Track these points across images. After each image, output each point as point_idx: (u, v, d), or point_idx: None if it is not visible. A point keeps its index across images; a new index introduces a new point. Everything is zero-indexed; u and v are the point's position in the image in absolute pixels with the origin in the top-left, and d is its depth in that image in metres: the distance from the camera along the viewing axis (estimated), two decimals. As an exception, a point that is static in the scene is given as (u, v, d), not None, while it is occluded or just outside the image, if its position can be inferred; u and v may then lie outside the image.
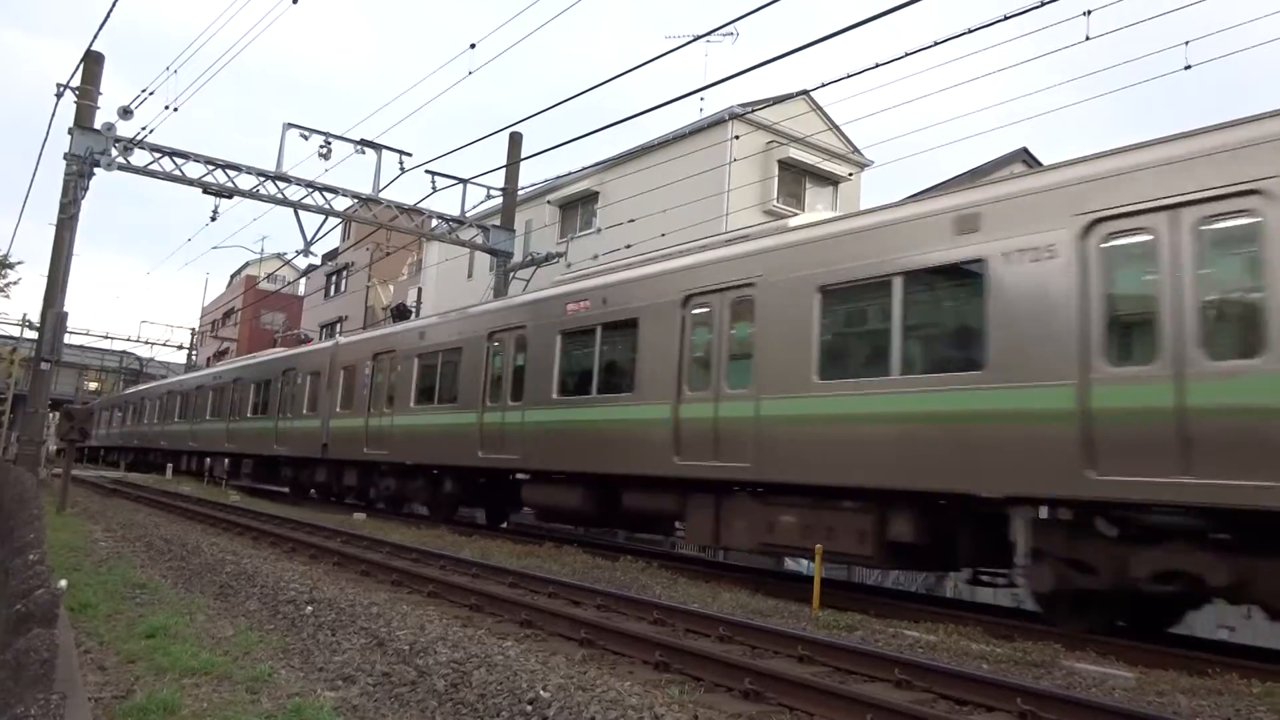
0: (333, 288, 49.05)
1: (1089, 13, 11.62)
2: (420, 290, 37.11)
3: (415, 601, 8.77)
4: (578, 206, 29.58)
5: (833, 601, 9.58)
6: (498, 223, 26.05)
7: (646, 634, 7.10)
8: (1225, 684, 6.40)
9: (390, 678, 5.70)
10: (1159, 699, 5.96)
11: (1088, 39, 11.80)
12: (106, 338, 60.46)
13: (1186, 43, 12.22)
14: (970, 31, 11.30)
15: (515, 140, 25.70)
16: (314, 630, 7.13)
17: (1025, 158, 23.42)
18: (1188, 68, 12.29)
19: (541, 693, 5.27)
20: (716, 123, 24.71)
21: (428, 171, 23.75)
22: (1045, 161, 19.21)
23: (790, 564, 15.43)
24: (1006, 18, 11.09)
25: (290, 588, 8.88)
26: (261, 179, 22.30)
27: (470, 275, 32.27)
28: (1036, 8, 10.91)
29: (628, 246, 21.87)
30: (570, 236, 28.61)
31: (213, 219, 22.77)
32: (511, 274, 25.48)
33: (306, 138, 22.51)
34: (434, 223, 25.39)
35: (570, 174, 26.69)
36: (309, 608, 7.95)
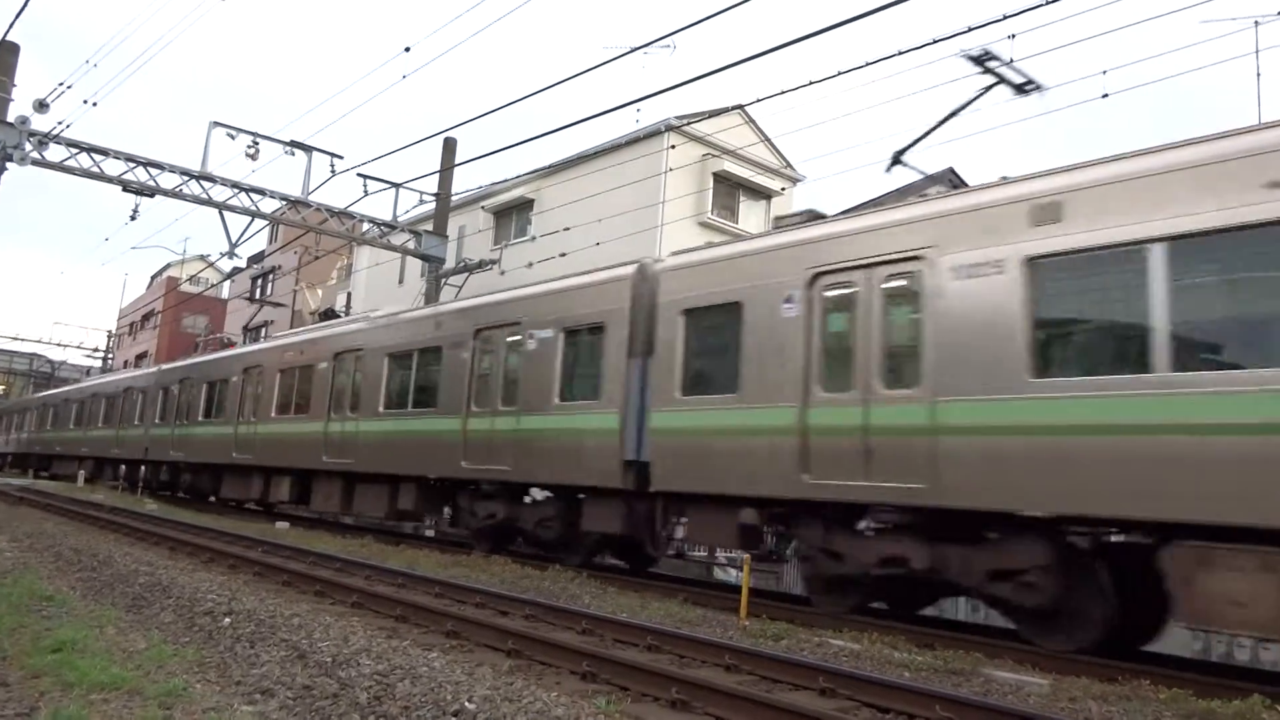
0: (258, 291, 47.92)
1: (1013, 36, 12.00)
2: (350, 295, 36.47)
3: (338, 612, 8.58)
4: (512, 213, 29.43)
5: (760, 611, 9.66)
6: (430, 228, 25.75)
7: (574, 644, 7.06)
8: (1134, 690, 6.64)
9: (311, 691, 5.56)
10: (1071, 705, 6.16)
11: (1011, 63, 12.18)
12: (15, 339, 58.11)
13: (1104, 71, 12.70)
14: (901, 53, 11.56)
15: (449, 145, 25.43)
16: (232, 643, 6.92)
17: (952, 177, 24.03)
18: (1105, 96, 12.77)
19: (467, 704, 5.21)
20: (653, 134, 24.87)
21: (359, 175, 23.35)
22: (971, 182, 19.74)
23: (719, 573, 15.52)
24: (935, 41, 11.38)
25: (208, 599, 8.62)
26: (185, 178, 21.63)
27: (401, 281, 31.85)
28: (964, 33, 11.23)
29: (562, 255, 21.86)
30: (505, 243, 28.45)
31: (132, 218, 21.99)
32: (443, 280, 25.21)
33: (234, 137, 21.93)
34: (365, 227, 24.93)
35: (505, 181, 26.53)
36: (227, 619, 7.72)
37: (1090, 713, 5.95)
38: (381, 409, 16.70)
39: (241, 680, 5.85)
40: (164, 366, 29.59)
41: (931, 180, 12.86)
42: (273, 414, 20.31)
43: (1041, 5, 10.37)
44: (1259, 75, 12.65)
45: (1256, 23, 11.51)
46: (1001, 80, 10.87)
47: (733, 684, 6.00)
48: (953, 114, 11.39)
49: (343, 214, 23.99)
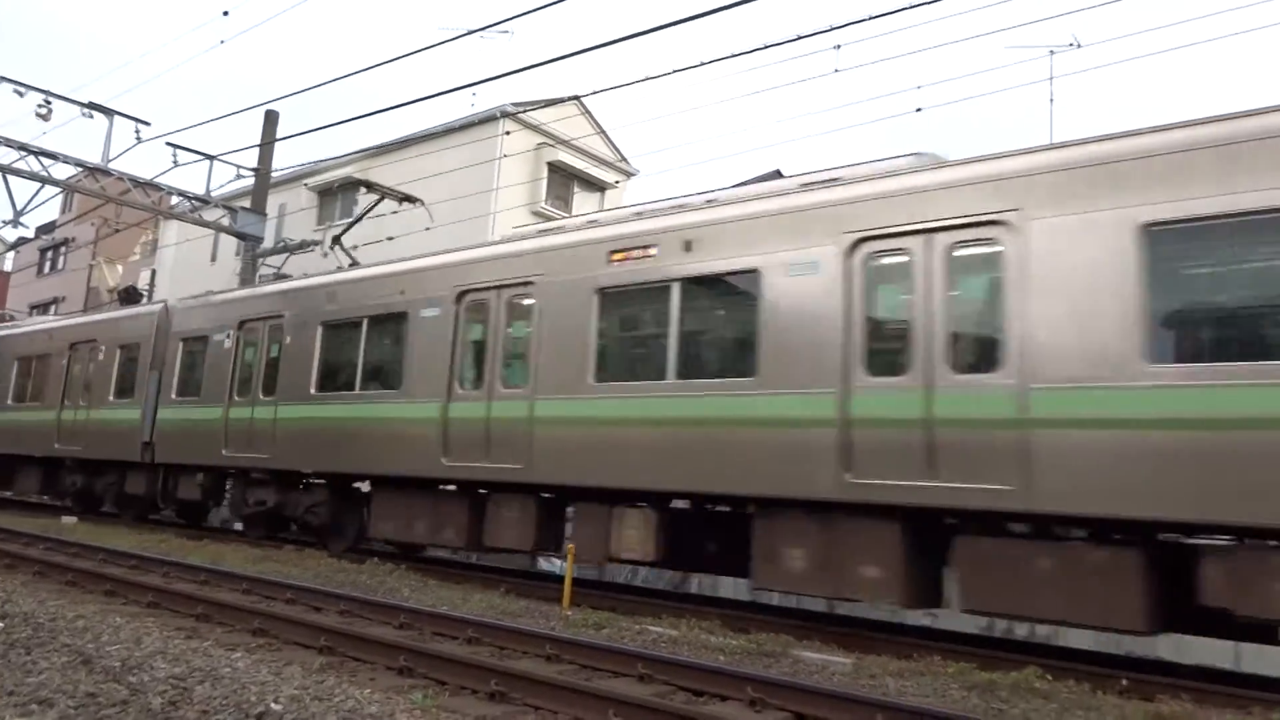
0: (49, 265, 43.94)
1: (839, 46, 12.62)
2: (154, 272, 34.03)
3: (131, 613, 7.98)
4: (338, 194, 28.26)
5: (583, 600, 9.73)
6: (248, 204, 24.35)
7: (391, 639, 6.88)
8: (926, 666, 7.13)
9: (96, 698, 5.15)
10: (871, 681, 6.55)
11: (837, 71, 12.81)
12: None
13: (919, 86, 13.57)
14: (734, 56, 11.92)
15: (271, 118, 24.08)
16: (4, 650, 6.30)
17: (779, 177, 25.01)
18: (918, 110, 13.64)
19: (273, 705, 4.97)
20: (487, 119, 24.52)
21: (169, 144, 21.78)
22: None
23: (544, 564, 15.52)
24: (765, 46, 11.79)
25: (-23, 601, 7.82)
26: (-38, 136, 19.52)
27: (214, 259, 30.02)
28: (793, 40, 11.68)
29: (390, 239, 21.18)
30: (329, 224, 27.28)
31: (-105, 177, 19.66)
32: (261, 260, 23.90)
33: (22, 94, 19.94)
34: (174, 200, 23.28)
35: (333, 159, 25.44)
36: (-1, 624, 7.03)
37: (887, 688, 6.34)
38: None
39: (15, 690, 5.34)
40: (181, 302, 17.46)
41: (760, 179, 13.32)
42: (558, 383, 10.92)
43: (866, 20, 10.95)
44: (1052, 100, 13.87)
45: (1051, 52, 12.60)
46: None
47: (552, 674, 6.01)
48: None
49: (149, 185, 22.30)
